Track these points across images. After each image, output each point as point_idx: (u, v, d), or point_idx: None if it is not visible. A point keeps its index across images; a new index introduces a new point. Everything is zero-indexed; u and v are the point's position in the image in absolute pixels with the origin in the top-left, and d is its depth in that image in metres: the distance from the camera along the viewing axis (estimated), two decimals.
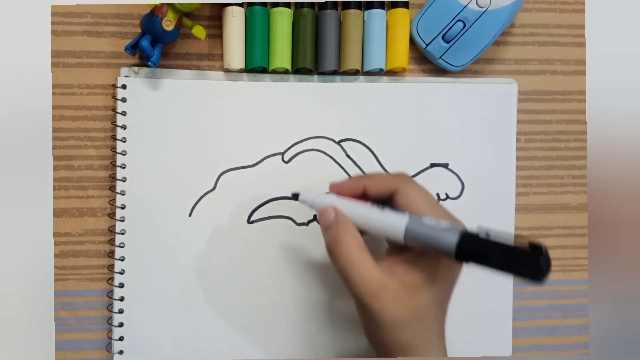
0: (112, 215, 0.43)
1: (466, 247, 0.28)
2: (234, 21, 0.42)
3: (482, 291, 0.45)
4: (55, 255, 0.43)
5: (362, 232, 0.34)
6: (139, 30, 0.42)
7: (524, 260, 0.26)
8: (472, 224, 0.44)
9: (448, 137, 0.44)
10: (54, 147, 0.42)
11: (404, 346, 0.32)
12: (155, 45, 0.40)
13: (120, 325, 0.42)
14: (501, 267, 0.27)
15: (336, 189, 0.36)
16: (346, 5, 0.42)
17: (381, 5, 0.43)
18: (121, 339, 0.42)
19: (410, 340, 0.32)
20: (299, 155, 0.43)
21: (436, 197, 0.44)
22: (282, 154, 0.43)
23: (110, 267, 0.43)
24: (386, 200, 0.34)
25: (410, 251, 0.33)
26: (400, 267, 0.32)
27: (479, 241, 0.28)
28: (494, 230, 0.28)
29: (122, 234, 0.42)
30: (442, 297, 0.33)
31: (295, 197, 0.37)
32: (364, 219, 0.33)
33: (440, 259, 0.32)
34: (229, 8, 0.41)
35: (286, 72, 0.43)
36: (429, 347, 0.32)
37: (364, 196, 0.35)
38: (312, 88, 0.43)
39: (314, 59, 0.43)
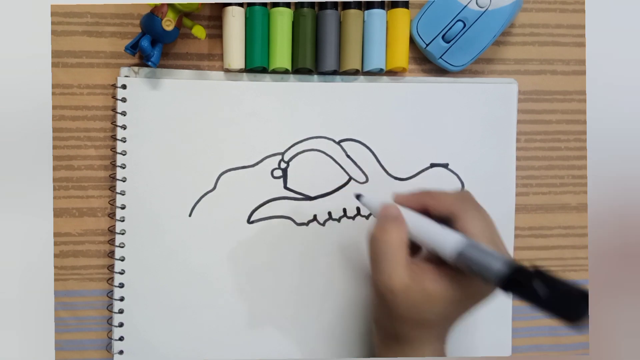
0: (112, 215, 0.43)
1: (514, 278, 0.29)
2: (234, 21, 0.42)
3: None
4: (55, 255, 0.43)
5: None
6: (139, 30, 0.42)
7: (568, 299, 0.26)
8: None
9: (448, 137, 0.44)
10: (54, 147, 0.42)
11: (400, 335, 0.34)
12: (155, 45, 0.40)
13: (120, 325, 0.42)
14: (544, 304, 0.27)
15: (399, 200, 0.36)
16: (346, 5, 0.42)
17: (381, 5, 0.43)
18: (121, 339, 0.42)
19: (408, 334, 0.34)
20: (299, 155, 0.43)
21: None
22: (282, 154, 0.43)
23: (110, 267, 0.43)
24: (445, 219, 0.34)
25: (446, 263, 0.33)
26: (429, 275, 0.33)
27: (527, 274, 0.28)
28: (542, 269, 0.28)
29: (122, 234, 0.42)
30: (455, 312, 0.34)
31: (357, 197, 0.38)
32: (422, 230, 0.34)
33: (471, 281, 0.32)
34: (229, 8, 0.41)
35: (286, 72, 0.43)
36: (424, 345, 0.34)
37: (424, 212, 0.35)
38: (312, 88, 0.43)
39: (314, 59, 0.43)
